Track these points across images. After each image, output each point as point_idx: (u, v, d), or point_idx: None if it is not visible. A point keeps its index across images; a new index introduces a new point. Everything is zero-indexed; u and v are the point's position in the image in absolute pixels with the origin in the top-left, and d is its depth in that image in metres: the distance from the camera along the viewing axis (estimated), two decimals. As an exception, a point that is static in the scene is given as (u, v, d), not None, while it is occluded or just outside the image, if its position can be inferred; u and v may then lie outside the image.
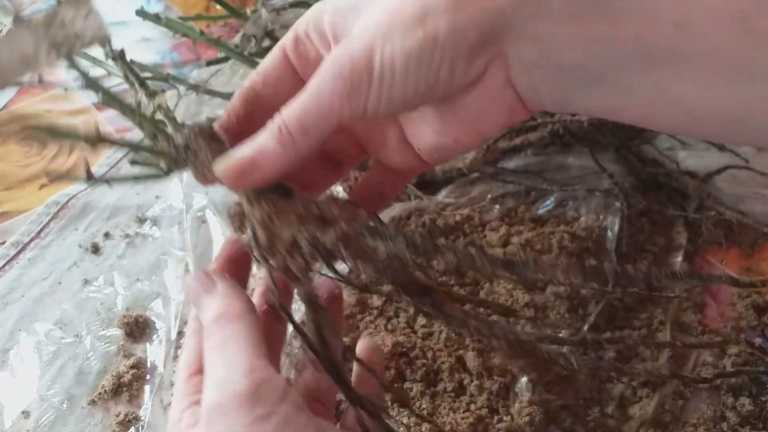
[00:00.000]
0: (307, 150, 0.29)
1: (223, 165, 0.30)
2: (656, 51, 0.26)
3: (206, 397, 0.28)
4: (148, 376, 0.49)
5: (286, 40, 0.33)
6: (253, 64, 0.60)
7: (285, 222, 0.30)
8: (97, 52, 0.37)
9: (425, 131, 0.32)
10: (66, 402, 0.48)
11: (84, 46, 0.31)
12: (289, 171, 0.30)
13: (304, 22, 0.32)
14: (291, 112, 0.29)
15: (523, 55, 0.27)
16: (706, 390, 0.49)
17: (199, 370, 0.31)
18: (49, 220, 0.60)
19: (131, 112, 0.33)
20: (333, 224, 0.30)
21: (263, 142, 0.29)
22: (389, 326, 0.51)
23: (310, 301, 0.30)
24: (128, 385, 0.48)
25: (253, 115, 0.33)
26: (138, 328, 0.52)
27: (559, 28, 0.26)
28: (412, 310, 0.52)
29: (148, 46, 0.81)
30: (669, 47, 0.25)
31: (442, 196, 0.60)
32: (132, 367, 0.49)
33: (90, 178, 0.32)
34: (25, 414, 0.47)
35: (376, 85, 0.28)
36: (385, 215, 0.57)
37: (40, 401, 0.48)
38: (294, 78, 0.33)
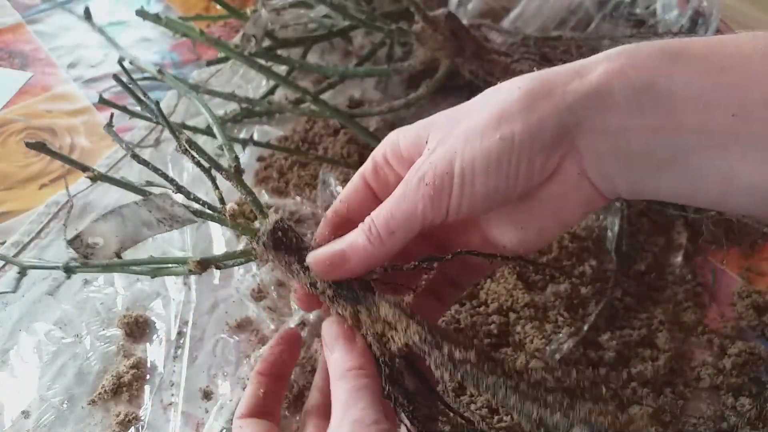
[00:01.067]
0: (392, 249, 0.32)
1: (316, 255, 0.33)
2: (718, 137, 0.27)
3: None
4: (148, 376, 0.49)
5: (365, 169, 0.36)
6: (253, 64, 0.60)
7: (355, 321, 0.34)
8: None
9: (508, 229, 0.34)
10: (66, 402, 0.48)
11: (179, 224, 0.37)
12: (374, 267, 0.33)
13: (381, 150, 0.35)
14: (379, 214, 0.32)
15: (594, 147, 0.29)
16: (706, 390, 0.49)
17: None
18: (49, 220, 0.60)
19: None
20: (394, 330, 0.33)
21: (353, 238, 0.32)
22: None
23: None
24: (128, 385, 0.48)
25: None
26: (138, 328, 0.52)
27: (625, 121, 0.28)
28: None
29: (148, 46, 0.81)
30: (730, 133, 0.27)
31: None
32: (132, 367, 0.49)
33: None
34: (25, 414, 0.47)
35: (457, 188, 0.30)
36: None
37: (40, 401, 0.48)
38: (375, 201, 0.35)
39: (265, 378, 0.37)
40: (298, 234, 0.36)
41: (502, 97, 0.30)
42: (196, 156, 0.37)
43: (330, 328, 0.34)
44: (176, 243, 0.58)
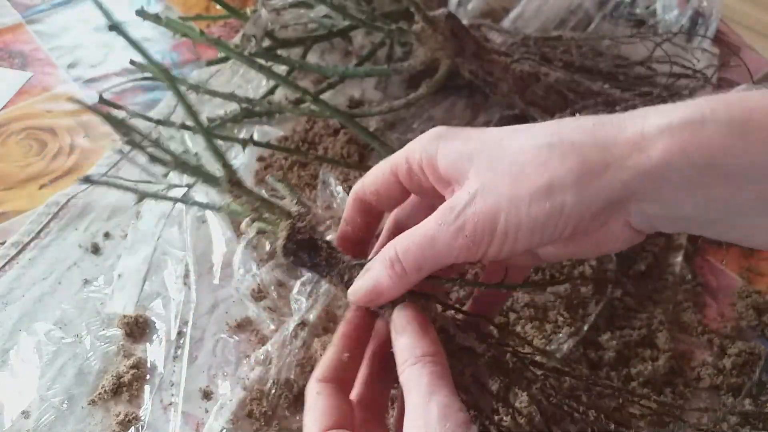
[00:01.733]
0: (418, 280, 0.32)
1: (354, 294, 0.34)
2: None
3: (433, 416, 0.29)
4: (148, 376, 0.49)
5: (398, 168, 0.35)
6: (253, 64, 0.60)
7: None
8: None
9: (548, 249, 0.34)
10: (66, 402, 0.48)
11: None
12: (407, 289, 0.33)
13: (417, 157, 0.33)
14: (407, 249, 0.32)
15: (645, 210, 0.29)
16: (706, 390, 0.49)
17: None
18: (49, 220, 0.60)
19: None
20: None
21: (377, 276, 0.33)
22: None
23: None
24: (128, 385, 0.48)
25: (368, 224, 0.37)
26: (138, 328, 0.52)
27: (680, 194, 0.28)
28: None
29: (148, 46, 0.79)
30: None
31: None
32: (132, 367, 0.49)
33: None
34: (25, 414, 0.47)
35: (498, 243, 0.30)
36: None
37: (40, 401, 0.48)
38: (404, 193, 0.36)
39: (351, 342, 0.35)
40: (315, 239, 0.36)
41: (555, 160, 0.29)
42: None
43: (402, 311, 0.33)
44: (176, 243, 0.58)
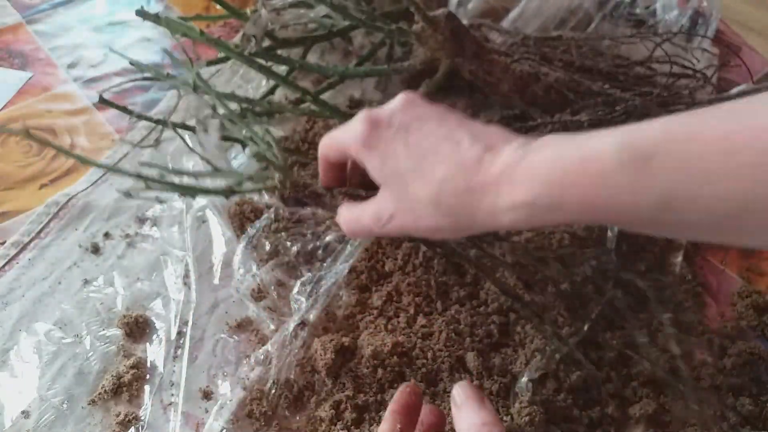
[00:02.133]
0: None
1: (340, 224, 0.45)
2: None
3: None
4: (148, 376, 0.50)
5: (340, 151, 0.44)
6: (253, 64, 0.60)
7: None
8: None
9: None
10: (66, 402, 0.48)
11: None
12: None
13: (351, 152, 0.43)
14: (354, 224, 0.44)
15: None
16: (706, 390, 0.49)
17: None
18: (49, 220, 0.60)
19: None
20: None
21: (346, 221, 0.45)
22: (389, 326, 0.51)
23: None
24: (128, 385, 0.48)
25: (337, 173, 0.47)
26: (138, 328, 0.52)
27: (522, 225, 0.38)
28: (412, 311, 0.52)
29: (148, 46, 0.81)
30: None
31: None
32: (132, 367, 0.49)
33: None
34: (25, 414, 0.47)
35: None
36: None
37: (40, 401, 0.48)
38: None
39: (401, 415, 0.40)
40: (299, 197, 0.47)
41: (438, 217, 0.39)
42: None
43: (461, 388, 0.39)
44: (176, 243, 0.58)
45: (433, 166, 0.39)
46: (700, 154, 0.30)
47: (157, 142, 0.67)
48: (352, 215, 0.44)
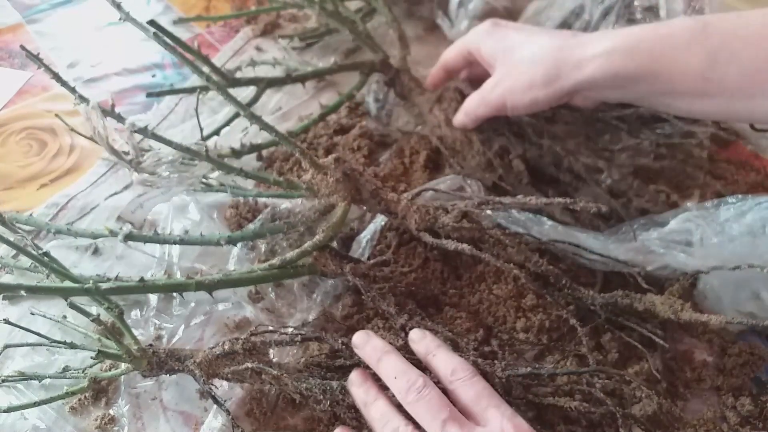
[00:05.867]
0: (475, 120, 0.59)
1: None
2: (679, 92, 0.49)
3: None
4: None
5: (462, 51, 0.60)
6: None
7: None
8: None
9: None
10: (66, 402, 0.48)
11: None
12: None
13: (472, 46, 0.58)
14: (470, 103, 0.58)
15: (588, 97, 0.54)
16: (706, 390, 0.49)
17: None
18: (49, 221, 0.60)
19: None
20: None
21: (459, 114, 0.60)
22: (387, 326, 0.51)
23: None
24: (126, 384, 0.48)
25: (448, 77, 0.65)
26: (137, 328, 0.52)
27: (605, 91, 0.52)
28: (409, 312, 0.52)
29: (148, 46, 0.80)
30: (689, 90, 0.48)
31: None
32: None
33: None
34: (25, 414, 0.47)
35: (510, 111, 0.56)
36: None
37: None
38: (468, 65, 0.62)
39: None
40: None
41: (534, 69, 0.52)
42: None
43: (421, 332, 0.44)
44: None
45: (538, 37, 0.53)
46: (746, 24, 0.44)
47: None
48: (468, 101, 0.58)
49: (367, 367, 0.43)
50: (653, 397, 0.44)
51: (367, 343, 0.43)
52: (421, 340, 0.43)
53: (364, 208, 0.54)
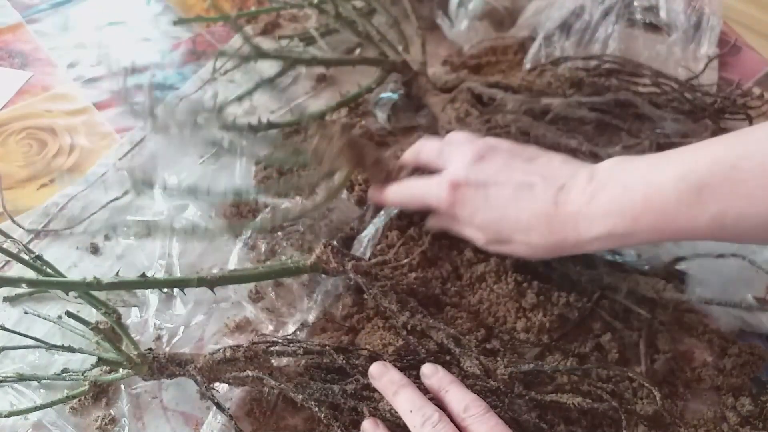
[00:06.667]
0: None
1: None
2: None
3: None
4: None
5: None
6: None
7: None
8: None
9: None
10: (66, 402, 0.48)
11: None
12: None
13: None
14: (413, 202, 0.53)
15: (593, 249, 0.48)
16: (706, 390, 0.49)
17: None
18: (49, 221, 0.60)
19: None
20: None
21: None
22: (387, 325, 0.51)
23: None
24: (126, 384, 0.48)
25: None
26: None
27: (608, 245, 0.46)
28: (409, 311, 0.52)
29: (148, 46, 0.80)
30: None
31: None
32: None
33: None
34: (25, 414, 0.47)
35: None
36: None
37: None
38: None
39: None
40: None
41: (540, 230, 0.46)
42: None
43: (433, 368, 0.44)
44: (175, 243, 0.58)
45: (517, 214, 0.46)
46: (743, 179, 0.37)
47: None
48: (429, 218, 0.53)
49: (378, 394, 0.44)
50: (655, 395, 0.44)
51: (384, 375, 0.43)
52: (433, 375, 0.43)
53: (365, 208, 0.54)
